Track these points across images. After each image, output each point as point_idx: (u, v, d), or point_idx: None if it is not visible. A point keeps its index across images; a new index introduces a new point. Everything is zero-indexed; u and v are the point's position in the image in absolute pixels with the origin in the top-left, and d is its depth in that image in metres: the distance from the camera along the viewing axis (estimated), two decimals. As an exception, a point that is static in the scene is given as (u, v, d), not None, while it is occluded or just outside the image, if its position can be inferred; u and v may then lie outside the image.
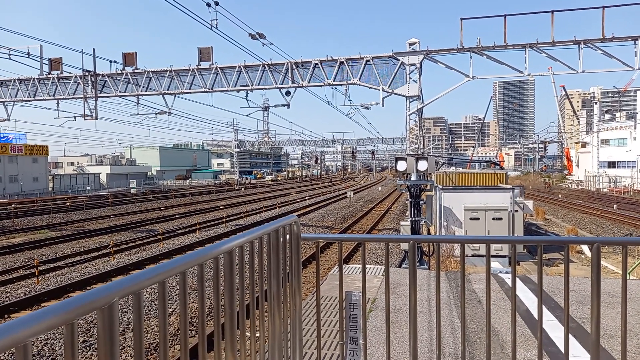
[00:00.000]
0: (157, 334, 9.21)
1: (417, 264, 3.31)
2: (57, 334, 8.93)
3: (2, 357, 6.90)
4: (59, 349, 8.52)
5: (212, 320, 8.84)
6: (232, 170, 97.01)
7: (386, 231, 24.64)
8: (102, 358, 1.29)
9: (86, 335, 9.08)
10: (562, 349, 4.15)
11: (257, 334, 2.57)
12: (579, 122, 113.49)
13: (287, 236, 2.93)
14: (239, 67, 20.95)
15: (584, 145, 76.34)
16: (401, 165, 15.08)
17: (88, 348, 8.55)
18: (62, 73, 22.92)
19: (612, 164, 64.36)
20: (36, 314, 1.09)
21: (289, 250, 2.97)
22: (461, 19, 17.53)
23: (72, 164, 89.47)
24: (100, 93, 22.79)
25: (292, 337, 3.00)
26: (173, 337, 8.98)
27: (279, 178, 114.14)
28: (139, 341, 1.48)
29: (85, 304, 1.21)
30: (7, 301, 11.67)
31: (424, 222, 18.00)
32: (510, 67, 18.28)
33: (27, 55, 21.38)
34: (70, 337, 1.18)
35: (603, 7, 16.54)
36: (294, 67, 20.28)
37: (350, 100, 20.74)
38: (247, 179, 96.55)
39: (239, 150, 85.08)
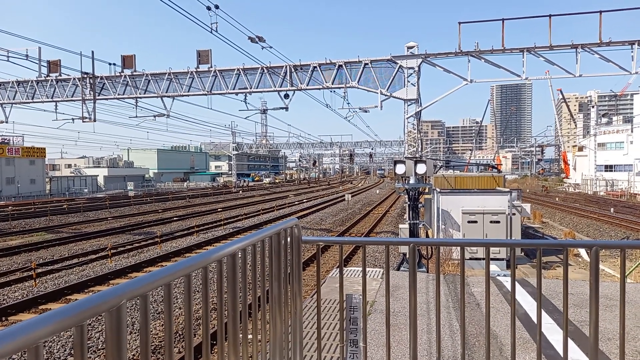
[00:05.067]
0: (156, 336, 9.21)
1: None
2: (54, 337, 8.91)
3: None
4: (57, 352, 8.51)
5: (213, 322, 8.85)
6: (230, 172, 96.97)
7: (384, 234, 24.66)
8: (110, 358, 1.31)
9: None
10: (561, 352, 4.18)
11: (259, 336, 2.59)
12: (576, 125, 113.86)
13: (288, 239, 2.95)
14: (238, 69, 20.99)
15: (581, 148, 76.59)
16: (400, 169, 15.12)
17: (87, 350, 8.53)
18: (60, 75, 22.91)
19: (609, 168, 64.56)
20: (47, 315, 1.11)
21: (289, 253, 2.99)
22: (459, 23, 17.62)
23: (69, 166, 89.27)
24: (98, 95, 22.78)
25: (293, 338, 3.02)
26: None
27: (277, 181, 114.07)
28: (145, 342, 1.50)
29: (94, 306, 1.23)
30: (5, 304, 11.64)
31: (423, 225, 18.03)
32: (508, 71, 18.37)
33: (25, 57, 21.39)
34: (79, 338, 1.20)
35: (600, 12, 16.65)
36: (293, 70, 20.33)
37: (348, 103, 20.82)
38: (245, 181, 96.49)
39: (236, 152, 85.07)
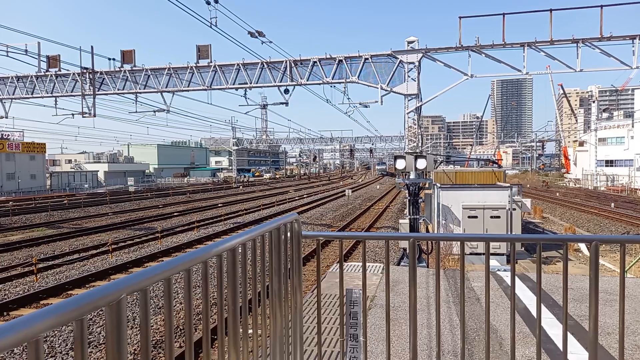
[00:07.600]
0: (156, 330, 9.24)
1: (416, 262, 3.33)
2: (55, 331, 8.94)
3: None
4: (59, 347, 8.54)
5: (213, 317, 8.87)
6: (230, 168, 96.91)
7: (384, 229, 24.69)
8: (110, 353, 1.31)
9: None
10: (560, 347, 4.19)
11: (259, 331, 2.59)
12: (576, 120, 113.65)
13: (288, 234, 2.96)
14: (238, 65, 20.93)
15: (581, 143, 76.45)
16: (400, 164, 15.11)
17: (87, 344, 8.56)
18: (60, 70, 22.87)
19: (609, 163, 64.48)
20: (47, 309, 1.11)
21: (289, 248, 2.99)
22: (460, 18, 17.55)
23: (69, 161, 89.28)
24: (98, 90, 22.75)
25: (293, 333, 3.03)
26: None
27: (277, 176, 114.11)
28: (145, 336, 1.50)
29: (94, 300, 1.23)
30: (6, 299, 11.68)
31: (423, 220, 18.04)
32: (509, 66, 18.31)
33: (25, 53, 21.34)
34: (80, 332, 1.20)
35: (601, 6, 16.57)
36: (293, 65, 20.27)
37: (348, 99, 20.77)
38: (245, 177, 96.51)
39: (237, 148, 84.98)
